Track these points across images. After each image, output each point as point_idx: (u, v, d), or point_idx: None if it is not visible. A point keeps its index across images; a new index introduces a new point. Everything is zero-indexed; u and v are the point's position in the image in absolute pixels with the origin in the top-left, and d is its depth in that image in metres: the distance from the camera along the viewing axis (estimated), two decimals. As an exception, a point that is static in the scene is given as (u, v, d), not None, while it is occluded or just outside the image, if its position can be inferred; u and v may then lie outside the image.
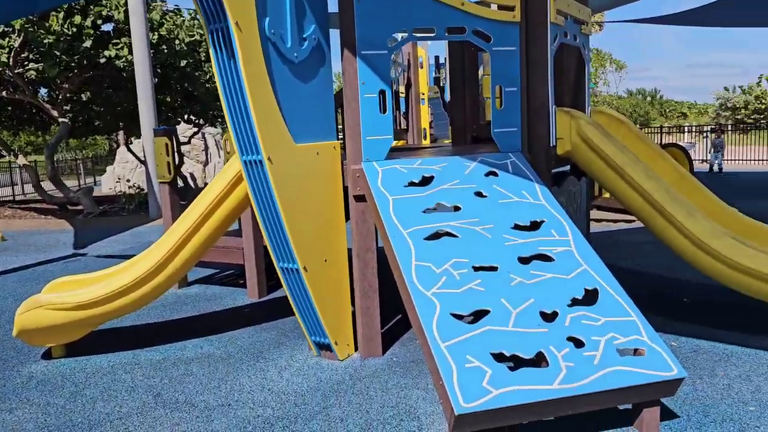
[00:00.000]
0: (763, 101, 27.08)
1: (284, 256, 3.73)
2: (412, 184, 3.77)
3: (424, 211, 3.58)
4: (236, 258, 5.88)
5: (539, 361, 2.90)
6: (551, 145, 4.31)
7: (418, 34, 4.02)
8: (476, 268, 3.24)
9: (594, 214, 9.32)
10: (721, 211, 4.86)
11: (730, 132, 23.81)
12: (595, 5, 9.56)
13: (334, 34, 4.00)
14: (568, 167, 5.14)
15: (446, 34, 3.92)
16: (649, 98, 44.28)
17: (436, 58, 9.99)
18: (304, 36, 3.69)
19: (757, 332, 4.18)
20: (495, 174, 3.91)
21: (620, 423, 3.03)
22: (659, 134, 23.00)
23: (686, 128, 25.10)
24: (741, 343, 4.03)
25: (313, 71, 3.78)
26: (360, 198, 3.89)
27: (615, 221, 8.97)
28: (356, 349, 4.13)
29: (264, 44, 3.40)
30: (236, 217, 4.60)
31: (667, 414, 3.12)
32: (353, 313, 4.08)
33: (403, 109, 7.22)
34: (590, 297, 3.19)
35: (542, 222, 3.61)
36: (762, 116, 26.43)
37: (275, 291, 5.80)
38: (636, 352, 2.97)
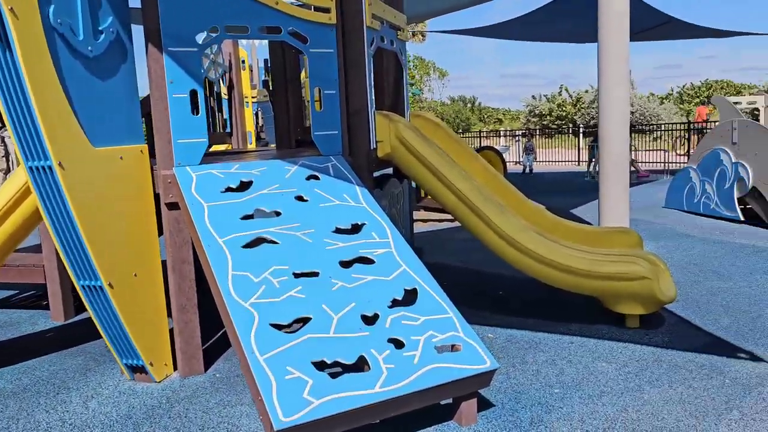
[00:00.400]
0: (564, 109, 30.35)
1: (84, 273, 3.33)
2: (229, 189, 3.57)
3: (242, 218, 3.41)
4: (37, 277, 5.22)
5: (361, 365, 2.87)
6: (372, 147, 4.36)
7: (232, 33, 3.83)
8: (297, 275, 3.14)
9: (421, 214, 9.71)
10: (528, 208, 5.25)
11: (538, 136, 26.33)
12: (412, 13, 9.95)
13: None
14: (390, 170, 5.25)
15: (261, 34, 3.79)
16: (469, 105, 47.53)
17: (266, 60, 9.77)
18: (100, 28, 3.34)
19: (561, 319, 4.56)
20: (316, 178, 3.84)
21: (442, 418, 3.11)
22: (479, 138, 24.71)
23: (502, 132, 27.23)
24: (548, 330, 4.37)
25: (112, 67, 3.44)
26: (173, 206, 3.61)
27: (440, 221, 9.39)
28: (175, 368, 3.84)
29: (49, 35, 3.01)
30: (29, 231, 4.06)
31: (483, 404, 3.25)
32: (171, 330, 3.78)
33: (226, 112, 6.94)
34: (410, 297, 3.24)
35: (363, 225, 3.61)
36: (563, 122, 29.57)
37: (85, 311, 5.23)
38: (453, 348, 3.06)
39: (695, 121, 19.05)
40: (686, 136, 18.17)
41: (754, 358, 3.71)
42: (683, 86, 40.63)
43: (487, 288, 5.58)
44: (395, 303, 3.17)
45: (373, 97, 4.52)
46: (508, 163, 22.21)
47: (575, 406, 3.21)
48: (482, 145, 19.78)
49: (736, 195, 8.29)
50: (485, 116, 45.86)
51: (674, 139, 19.77)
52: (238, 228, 3.32)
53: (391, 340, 2.93)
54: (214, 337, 4.45)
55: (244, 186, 3.62)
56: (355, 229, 3.58)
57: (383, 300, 3.14)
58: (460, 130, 34.98)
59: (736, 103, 9.19)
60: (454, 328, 3.12)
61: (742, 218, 8.21)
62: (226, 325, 2.93)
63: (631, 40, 8.70)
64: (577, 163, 20.03)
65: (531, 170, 18.26)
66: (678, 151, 18.72)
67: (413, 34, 33.05)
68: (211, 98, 6.18)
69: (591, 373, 3.62)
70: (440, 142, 5.24)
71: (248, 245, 3.25)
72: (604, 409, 3.16)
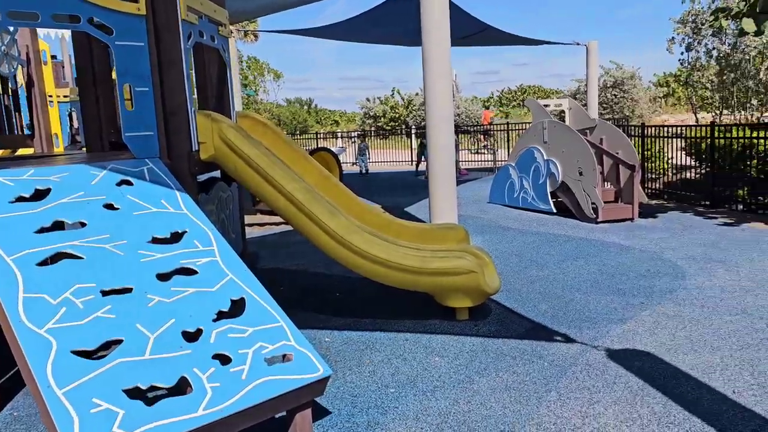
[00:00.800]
0: (397, 111, 31.38)
1: None
2: (21, 199, 3.10)
3: (37, 231, 2.97)
4: None
5: (184, 387, 2.63)
6: (194, 149, 4.06)
7: (18, 20, 3.35)
8: (105, 293, 2.80)
9: (258, 218, 9.41)
10: (361, 208, 5.25)
11: (373, 137, 26.96)
12: (238, 10, 9.62)
13: None
14: (218, 173, 4.96)
15: (55, 22, 3.34)
16: (306, 107, 47.49)
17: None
18: None
19: (397, 317, 4.61)
20: (129, 183, 3.48)
21: (275, 433, 2.96)
22: (315, 140, 24.71)
23: (339, 134, 27.47)
24: (384, 329, 4.38)
25: None
26: (-52, 220, 3.05)
27: (277, 224, 9.17)
28: (-39, 410, 3.27)
29: None
30: None
31: (320, 412, 3.15)
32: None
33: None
34: (237, 308, 3.04)
35: (184, 233, 3.33)
36: (397, 123, 30.58)
37: None
38: (285, 358, 2.91)
39: (481, 124, 20.70)
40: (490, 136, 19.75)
41: (568, 339, 4.01)
42: (502, 91, 44.07)
43: (326, 290, 5.50)
44: (221, 315, 2.95)
45: (194, 96, 4.21)
46: (345, 165, 22.53)
47: (410, 404, 3.22)
48: (319, 146, 19.76)
49: (548, 189, 9.06)
50: (322, 118, 46.12)
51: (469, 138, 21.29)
52: (32, 243, 2.89)
53: (216, 357, 2.72)
54: (12, 370, 3.87)
55: (39, 195, 3.16)
56: (175, 237, 3.29)
57: (207, 313, 2.91)
58: (298, 132, 34.77)
59: (545, 105, 10.03)
60: (285, 337, 2.97)
61: (554, 210, 8.99)
62: (16, 358, 2.52)
63: (453, 45, 9.08)
64: (410, 162, 20.80)
65: (367, 170, 18.61)
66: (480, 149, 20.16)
67: (245, 34, 32.25)
68: (5, 96, 5.43)
69: (425, 368, 3.68)
70: (269, 143, 5.05)
71: (45, 262, 2.84)
72: (437, 403, 3.21)
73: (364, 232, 4.37)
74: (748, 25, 6.68)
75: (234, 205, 5.20)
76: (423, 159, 15.88)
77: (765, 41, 14.10)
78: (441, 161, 7.32)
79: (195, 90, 4.87)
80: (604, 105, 21.83)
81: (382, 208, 10.65)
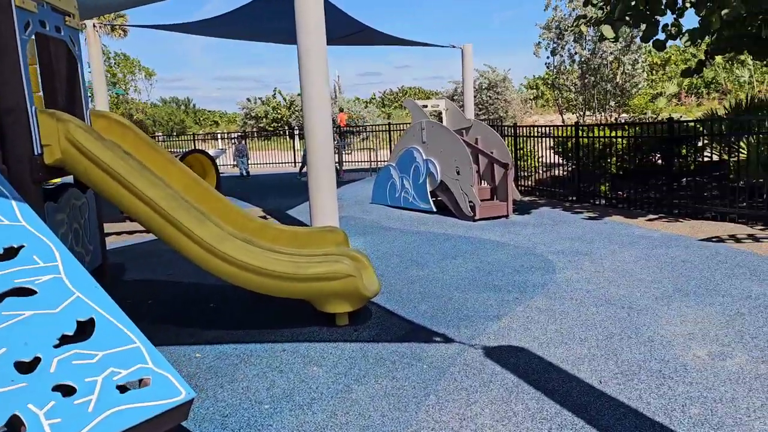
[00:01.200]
0: (279, 111, 30.82)
1: None
2: None
3: None
4: None
5: (17, 427, 2.29)
6: (36, 153, 3.63)
7: None
8: None
9: (126, 225, 8.78)
10: (235, 213, 4.98)
11: (255, 138, 26.27)
12: (95, 3, 8.93)
13: None
14: (71, 178, 4.50)
15: None
16: (183, 107, 45.51)
17: None
18: None
19: (274, 326, 4.41)
20: (-47, 192, 3.03)
21: (134, 466, 2.66)
22: (194, 141, 23.69)
23: (219, 135, 26.52)
24: (260, 340, 4.16)
25: None
26: None
27: (147, 231, 8.59)
28: None
29: None
30: None
31: (185, 438, 2.90)
32: None
33: None
34: (85, 330, 2.72)
35: (21, 248, 2.94)
36: (279, 124, 30.03)
37: None
38: (141, 383, 2.64)
39: (338, 125, 21.06)
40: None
41: (447, 339, 4.01)
42: (384, 92, 44.70)
43: (200, 301, 5.17)
44: (65, 340, 2.61)
45: (39, 94, 3.77)
46: (226, 166, 21.78)
47: (285, 420, 3.05)
48: (194, 148, 18.92)
49: (428, 189, 9.20)
50: (201, 119, 44.42)
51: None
52: None
53: (57, 388, 2.39)
54: None
55: None
56: (10, 253, 2.90)
57: (47, 339, 2.57)
58: (175, 133, 33.20)
59: (423, 106, 10.18)
60: (141, 360, 2.69)
61: (434, 209, 9.14)
62: None
63: (331, 44, 8.94)
64: (293, 164, 20.48)
65: (247, 173, 18.10)
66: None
67: (112, 28, 30.28)
68: None
69: (302, 380, 3.51)
70: (130, 146, 4.67)
71: None
72: (315, 417, 3.06)
73: (236, 239, 4.13)
74: (607, 31, 7.13)
75: (91, 213, 4.76)
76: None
77: (620, 48, 15.28)
78: (320, 162, 7.18)
79: (40, 87, 4.39)
80: (480, 106, 22.71)
81: (263, 212, 10.36)
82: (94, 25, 11.61)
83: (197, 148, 20.54)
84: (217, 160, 21.58)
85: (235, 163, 19.10)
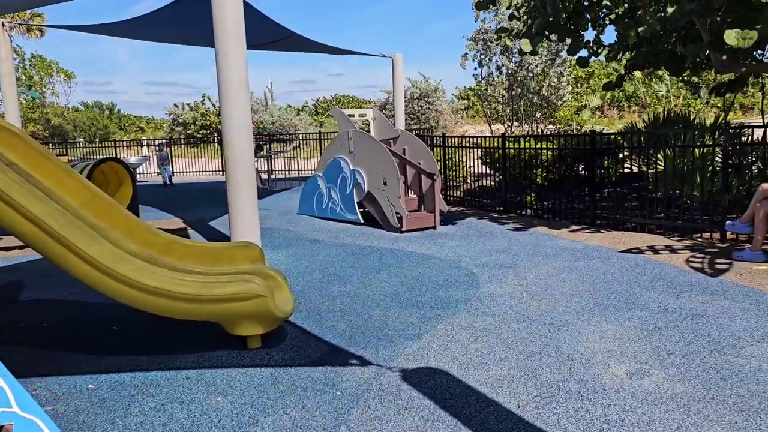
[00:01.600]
0: (208, 118, 29.96)
1: None
2: None
3: None
4: None
5: None
6: None
7: None
8: None
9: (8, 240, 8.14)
10: (140, 229, 4.63)
11: (183, 146, 25.39)
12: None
13: None
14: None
15: None
16: (107, 112, 43.63)
17: None
18: None
19: (179, 351, 4.09)
20: None
21: None
22: (115, 148, 22.66)
23: (144, 142, 25.51)
24: (163, 367, 3.84)
25: None
26: None
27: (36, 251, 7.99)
28: None
29: None
30: None
31: (61, 488, 2.56)
32: None
33: None
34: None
35: None
36: (208, 131, 29.18)
37: None
38: (2, 429, 2.30)
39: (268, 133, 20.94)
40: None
41: (364, 362, 3.81)
42: (317, 99, 44.34)
43: (101, 322, 4.77)
44: None
45: None
46: (150, 174, 20.92)
47: (179, 461, 2.76)
48: (111, 155, 18.08)
49: (356, 200, 9.01)
50: (126, 124, 42.71)
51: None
52: None
53: None
54: None
55: None
56: None
57: None
58: (98, 139, 31.70)
59: (350, 115, 10.01)
60: (4, 403, 2.35)
61: (362, 221, 8.96)
62: None
63: (256, 49, 8.59)
64: (221, 172, 19.88)
65: (170, 181, 17.43)
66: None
67: (28, 29, 28.68)
68: None
69: (204, 412, 3.23)
70: (19, 156, 4.25)
71: None
72: (212, 457, 2.79)
73: (137, 258, 3.80)
74: (525, 45, 7.17)
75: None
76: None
77: (545, 61, 15.63)
78: (240, 171, 6.88)
79: None
80: (412, 115, 22.80)
81: (183, 223, 9.88)
82: (3, 24, 10.86)
83: (114, 156, 19.68)
84: (140, 168, 20.82)
85: (158, 171, 18.37)
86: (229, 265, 4.61)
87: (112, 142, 23.55)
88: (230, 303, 3.80)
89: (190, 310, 3.77)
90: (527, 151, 10.07)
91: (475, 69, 16.81)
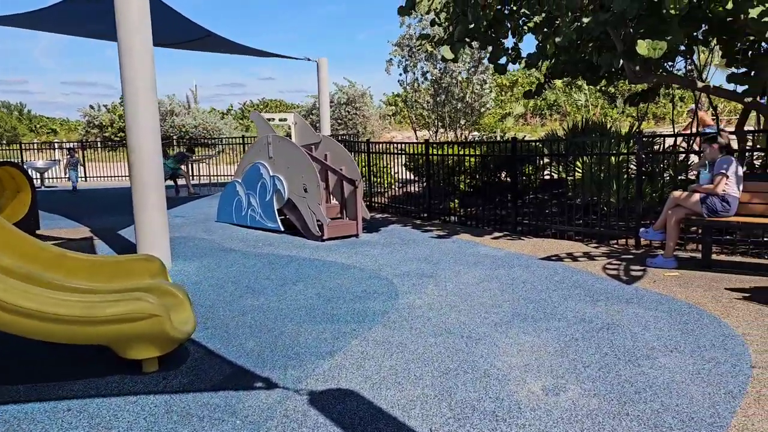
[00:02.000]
0: (126, 120, 28.67)
1: None
2: None
3: None
4: None
5: None
6: None
7: None
8: None
9: None
10: (25, 244, 4.17)
11: (100, 149, 24.11)
12: None
13: None
14: None
15: None
16: (17, 112, 41.04)
17: None
18: None
19: (64, 377, 3.67)
20: None
21: None
22: (21, 151, 21.21)
23: (56, 145, 24.07)
24: (43, 398, 3.42)
25: None
26: None
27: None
28: None
29: None
30: None
31: None
32: None
33: None
34: None
35: None
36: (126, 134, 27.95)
37: None
38: None
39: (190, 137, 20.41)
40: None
41: (270, 385, 3.53)
42: (244, 103, 43.33)
43: (-23, 348, 4.26)
44: None
45: None
46: (60, 179, 19.69)
47: None
48: (7, 160, 16.91)
49: (276, 207, 8.68)
50: (38, 126, 40.29)
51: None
52: None
53: None
54: None
55: None
56: None
57: None
58: (5, 141, 29.68)
59: (270, 119, 9.67)
60: None
61: (282, 229, 8.64)
62: None
63: (170, 47, 8.13)
64: (138, 177, 18.96)
65: (74, 188, 16.53)
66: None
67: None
68: None
69: (83, 450, 2.86)
70: None
71: None
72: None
73: (9, 278, 3.37)
74: (446, 52, 7.09)
75: None
76: (180, 173, 14.37)
77: (468, 68, 15.77)
78: (147, 177, 6.45)
79: None
80: (339, 121, 22.57)
81: (90, 232, 9.24)
82: None
83: (19, 159, 18.46)
84: (49, 173, 19.56)
85: (67, 175, 17.32)
86: (126, 280, 4.22)
87: (24, 145, 22.03)
88: (119, 324, 3.44)
89: (72, 333, 3.38)
90: (451, 157, 10.03)
91: (401, 75, 16.77)
